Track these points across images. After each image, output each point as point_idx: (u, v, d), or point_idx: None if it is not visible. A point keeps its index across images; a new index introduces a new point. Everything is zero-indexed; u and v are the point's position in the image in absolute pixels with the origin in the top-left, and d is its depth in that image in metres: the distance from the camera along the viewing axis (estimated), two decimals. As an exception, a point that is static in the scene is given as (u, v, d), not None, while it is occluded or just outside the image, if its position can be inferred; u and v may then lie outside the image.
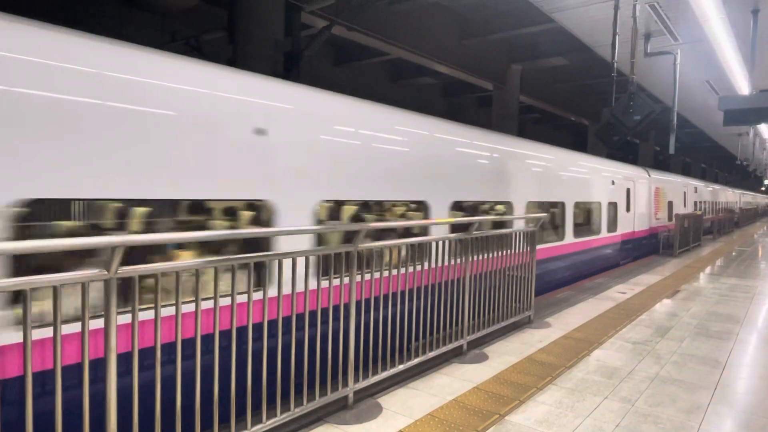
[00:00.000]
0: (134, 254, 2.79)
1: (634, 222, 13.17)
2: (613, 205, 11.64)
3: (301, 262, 3.23)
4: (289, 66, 10.18)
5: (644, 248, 14.02)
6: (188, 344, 2.94)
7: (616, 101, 6.88)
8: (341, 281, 3.44)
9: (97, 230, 3.26)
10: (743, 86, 11.64)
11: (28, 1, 10.40)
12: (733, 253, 14.17)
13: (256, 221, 4.00)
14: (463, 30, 14.64)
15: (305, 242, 4.16)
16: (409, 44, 13.13)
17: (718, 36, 8.92)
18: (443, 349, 4.41)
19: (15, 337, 2.73)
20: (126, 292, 2.70)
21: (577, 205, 9.65)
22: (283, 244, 3.96)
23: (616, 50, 7.37)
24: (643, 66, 10.86)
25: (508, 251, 5.33)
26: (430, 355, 4.25)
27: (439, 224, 5.53)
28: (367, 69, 18.47)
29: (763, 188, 55.46)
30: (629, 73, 7.15)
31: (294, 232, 3.23)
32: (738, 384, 4.14)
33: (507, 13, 13.56)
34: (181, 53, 3.99)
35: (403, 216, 5.70)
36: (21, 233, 2.82)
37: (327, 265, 3.42)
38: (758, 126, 17.77)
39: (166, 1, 11.92)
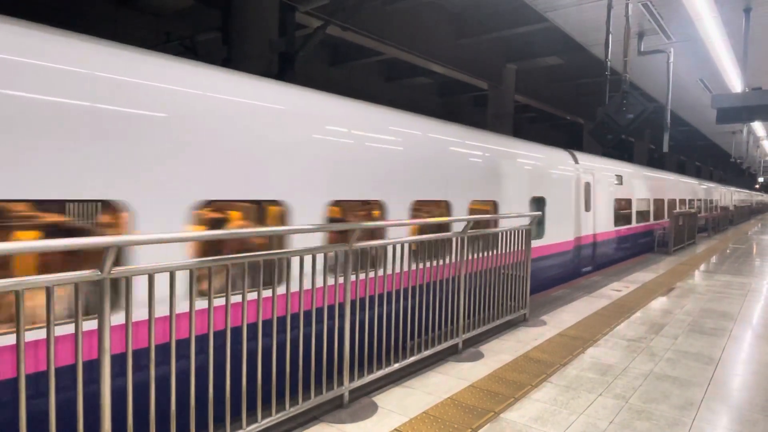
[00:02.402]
0: None
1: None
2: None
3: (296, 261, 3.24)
4: (283, 66, 10.18)
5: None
6: (183, 344, 2.94)
7: (610, 100, 6.92)
8: (336, 280, 3.44)
9: None
10: (736, 84, 11.72)
11: (22, 2, 10.36)
12: (728, 251, 14.25)
13: None
14: (457, 29, 14.66)
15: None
16: (403, 44, 13.14)
17: (710, 34, 8.98)
18: (439, 348, 4.43)
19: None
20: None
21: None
22: None
23: (610, 49, 7.41)
24: (636, 65, 10.91)
25: (504, 250, 5.35)
26: (426, 353, 4.27)
27: (434, 223, 5.54)
28: (362, 69, 18.47)
29: (757, 186, 55.71)
30: (622, 72, 7.19)
31: (291, 231, 3.23)
32: (731, 380, 4.17)
33: (501, 12, 13.59)
34: (176, 54, 3.94)
35: None
36: None
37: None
38: (752, 124, 17.89)
39: (160, 1, 11.89)
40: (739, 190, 36.99)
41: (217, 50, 11.05)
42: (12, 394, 2.70)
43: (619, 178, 12.63)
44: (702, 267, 10.93)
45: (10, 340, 2.65)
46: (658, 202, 15.50)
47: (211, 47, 12.76)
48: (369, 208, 5.32)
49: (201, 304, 3.18)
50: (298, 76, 10.27)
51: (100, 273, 2.20)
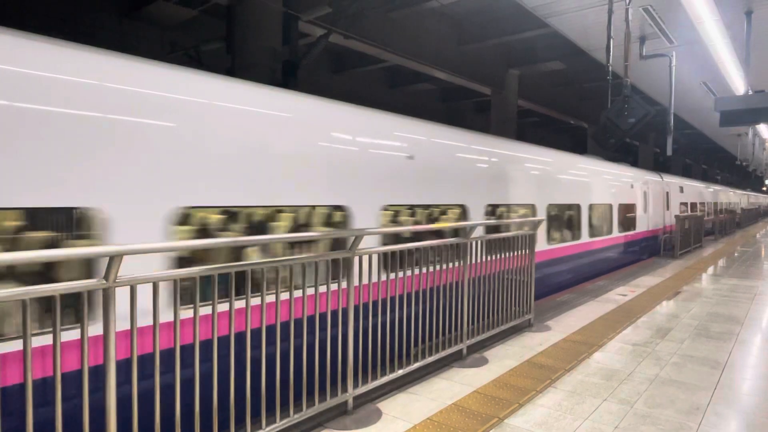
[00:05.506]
0: None
1: None
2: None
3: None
4: (287, 75, 10.26)
5: None
6: (187, 351, 2.96)
7: (611, 104, 6.93)
8: (339, 286, 3.46)
9: None
10: (739, 87, 11.69)
11: (29, 14, 10.52)
12: (735, 254, 14.15)
13: None
14: (460, 36, 14.74)
15: None
16: (406, 51, 13.22)
17: (712, 38, 8.98)
18: (443, 354, 4.42)
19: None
20: None
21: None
22: None
23: (611, 54, 7.43)
24: (639, 68, 10.92)
25: (507, 254, 5.35)
26: (430, 359, 4.27)
27: (436, 228, 5.55)
28: (365, 76, 18.57)
29: (764, 188, 55.37)
30: (623, 76, 7.20)
31: (288, 239, 3.25)
32: (737, 384, 4.15)
33: (503, 18, 13.65)
34: (181, 64, 4.00)
35: None
36: None
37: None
38: (757, 126, 17.81)
39: (165, 12, 12.04)
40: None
41: (221, 60, 11.17)
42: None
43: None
44: (709, 270, 10.86)
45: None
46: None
47: (216, 57, 12.89)
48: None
49: (203, 310, 3.21)
50: (302, 84, 10.36)
51: (105, 282, 2.23)
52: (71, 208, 2.94)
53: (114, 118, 3.11)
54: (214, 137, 3.65)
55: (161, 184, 3.32)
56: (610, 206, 11.26)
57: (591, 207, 10.14)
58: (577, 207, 9.51)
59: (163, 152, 3.33)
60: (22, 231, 2.85)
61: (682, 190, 18.26)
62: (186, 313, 3.03)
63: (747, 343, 5.33)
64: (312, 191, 4.34)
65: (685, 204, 18.96)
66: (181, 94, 3.52)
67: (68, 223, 3.01)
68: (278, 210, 4.28)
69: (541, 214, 8.13)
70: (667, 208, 16.09)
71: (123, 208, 3.12)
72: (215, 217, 3.85)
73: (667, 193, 16.17)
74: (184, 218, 3.56)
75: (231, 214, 3.94)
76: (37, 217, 2.87)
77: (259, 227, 4.14)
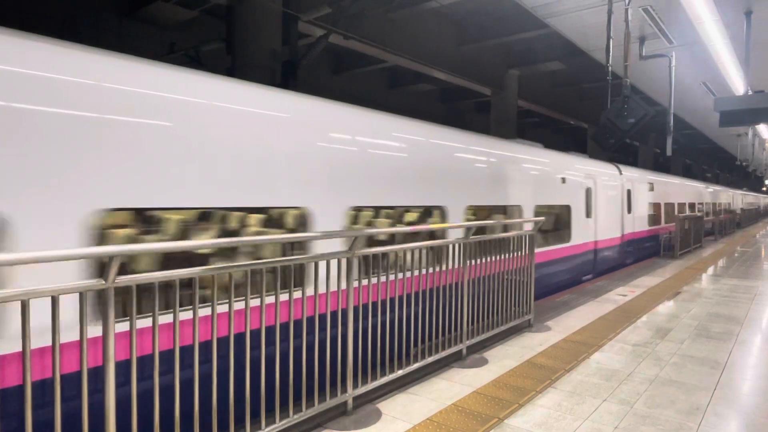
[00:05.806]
0: None
1: None
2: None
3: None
4: (287, 75, 10.27)
5: None
6: (186, 352, 2.96)
7: (611, 104, 6.93)
8: (338, 287, 3.46)
9: None
10: (739, 87, 11.70)
11: (29, 15, 10.52)
12: (735, 254, 14.15)
13: None
14: (459, 36, 14.74)
15: None
16: (406, 51, 13.23)
17: (712, 38, 8.98)
18: (443, 354, 4.42)
19: None
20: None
21: None
22: None
23: (611, 54, 7.43)
24: (639, 68, 10.93)
25: (507, 255, 5.35)
26: (430, 360, 4.27)
27: (435, 229, 5.55)
28: (365, 76, 18.58)
29: (764, 188, 55.38)
30: (623, 77, 7.21)
31: (289, 239, 3.26)
32: (737, 385, 4.15)
33: (503, 18, 13.66)
34: (181, 64, 4.07)
35: None
36: None
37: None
38: (757, 126, 17.80)
39: (165, 13, 12.05)
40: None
41: (221, 60, 11.17)
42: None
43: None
44: (708, 271, 10.86)
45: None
46: None
47: (215, 57, 12.90)
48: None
49: (202, 311, 3.21)
50: (302, 85, 10.36)
51: (104, 282, 2.23)
52: (297, 207, 4.26)
53: (313, 147, 4.43)
54: (375, 159, 5.06)
55: (340, 190, 4.62)
56: (519, 209, 7.84)
57: (474, 210, 6.79)
58: (441, 211, 6.02)
59: (342, 168, 4.67)
60: (271, 223, 4.17)
61: (651, 187, 14.91)
62: (185, 313, 3.04)
63: (747, 343, 5.33)
64: (430, 194, 5.75)
65: (658, 205, 15.44)
66: (369, 137, 5.02)
67: (296, 217, 4.32)
68: (407, 209, 5.60)
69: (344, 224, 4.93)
70: (629, 211, 12.87)
71: (319, 207, 4.40)
72: (368, 213, 5.13)
73: (629, 191, 12.89)
74: (353, 215, 4.85)
75: (379, 211, 5.25)
76: (280, 214, 4.23)
77: (397, 221, 5.50)
